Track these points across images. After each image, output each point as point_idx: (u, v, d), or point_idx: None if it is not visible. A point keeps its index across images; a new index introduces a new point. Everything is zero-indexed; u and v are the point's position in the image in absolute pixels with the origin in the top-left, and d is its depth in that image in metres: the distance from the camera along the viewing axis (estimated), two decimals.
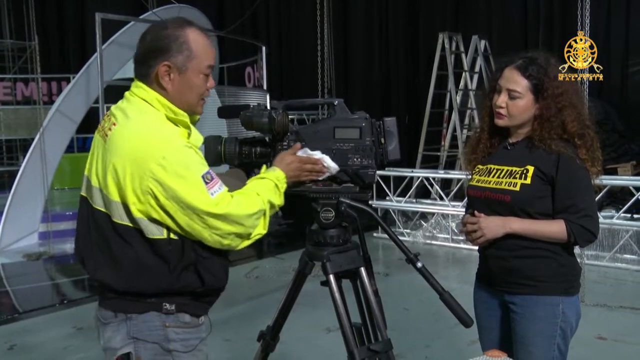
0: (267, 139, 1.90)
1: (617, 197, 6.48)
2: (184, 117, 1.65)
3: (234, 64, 10.51)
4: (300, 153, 1.81)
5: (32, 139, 7.34)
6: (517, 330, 2.04)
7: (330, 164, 1.82)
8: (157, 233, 1.58)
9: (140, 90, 1.65)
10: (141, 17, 7.59)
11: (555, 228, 1.96)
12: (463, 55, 8.57)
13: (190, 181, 1.54)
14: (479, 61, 8.64)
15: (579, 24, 4.52)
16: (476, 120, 7.80)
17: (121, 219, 1.58)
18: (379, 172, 6.44)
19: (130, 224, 1.58)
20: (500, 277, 2.07)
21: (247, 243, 1.66)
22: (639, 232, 5.74)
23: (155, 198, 1.54)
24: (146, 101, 1.63)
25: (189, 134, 1.67)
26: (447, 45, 8.29)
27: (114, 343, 1.63)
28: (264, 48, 8.30)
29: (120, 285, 1.60)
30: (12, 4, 10.99)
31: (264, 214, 1.65)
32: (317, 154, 1.81)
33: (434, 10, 10.10)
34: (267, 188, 1.68)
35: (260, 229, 1.65)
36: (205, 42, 1.67)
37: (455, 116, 8.30)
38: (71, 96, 7.01)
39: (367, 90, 10.73)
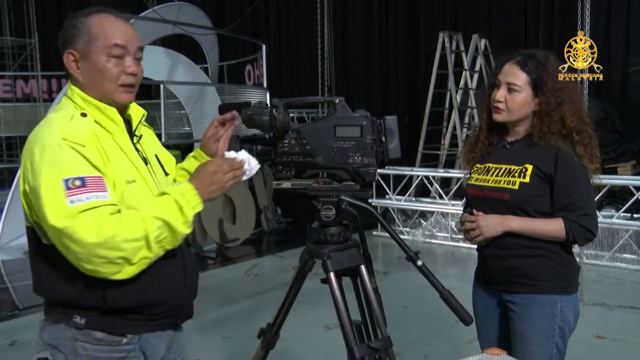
0: (267, 137, 1.90)
1: (617, 197, 6.49)
2: (105, 109, 1.54)
3: (234, 62, 10.52)
4: (227, 155, 1.61)
5: None
6: (516, 329, 2.05)
7: (253, 164, 1.62)
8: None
9: (68, 90, 1.58)
10: (141, 14, 7.59)
11: (554, 226, 1.96)
12: (463, 54, 8.58)
13: (49, 180, 1.38)
14: (479, 60, 8.65)
15: (579, 23, 4.52)
16: (476, 119, 7.79)
17: (27, 220, 1.51)
18: (378, 170, 6.37)
19: (30, 225, 1.50)
20: (499, 276, 2.08)
21: (130, 270, 1.42)
22: (639, 232, 5.74)
23: (25, 188, 1.43)
24: (70, 99, 1.56)
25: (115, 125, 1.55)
26: (447, 44, 8.29)
27: (38, 345, 1.58)
28: (264, 46, 8.30)
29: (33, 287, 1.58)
30: (12, 2, 10.99)
31: (146, 240, 1.42)
32: (242, 154, 1.63)
33: (434, 9, 10.10)
34: (162, 207, 1.45)
35: (144, 252, 1.42)
36: (110, 22, 1.53)
37: (455, 115, 8.30)
38: None
39: (367, 89, 10.73)
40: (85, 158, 1.43)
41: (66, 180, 1.38)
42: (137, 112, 1.65)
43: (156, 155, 1.72)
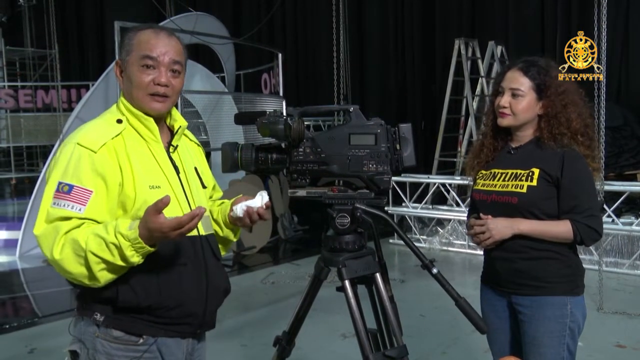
0: (283, 145, 1.91)
1: (636, 204, 6.40)
2: (142, 118, 1.63)
3: (250, 71, 10.59)
4: (252, 203, 1.73)
5: (52, 146, 7.46)
6: (527, 332, 2.07)
7: (264, 201, 1.75)
8: None
9: (119, 97, 1.70)
10: (159, 24, 7.66)
11: (561, 228, 2.00)
12: (479, 61, 8.55)
13: (52, 178, 1.53)
14: (496, 67, 8.60)
15: (596, 29, 4.48)
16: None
17: None
18: (395, 178, 6.39)
19: None
20: (507, 279, 2.10)
21: (91, 283, 1.51)
22: None
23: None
24: (117, 105, 1.68)
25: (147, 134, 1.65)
26: (463, 51, 8.27)
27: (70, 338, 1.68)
28: (280, 55, 8.35)
29: None
30: (33, 13, 11.20)
31: (90, 274, 1.49)
32: (263, 194, 1.76)
33: (450, 16, 10.09)
34: (106, 249, 1.46)
35: (104, 275, 1.49)
36: (149, 36, 1.64)
37: (471, 122, 8.27)
38: (90, 103, 7.10)
39: (383, 96, 10.73)
40: (92, 164, 1.53)
41: (60, 183, 1.52)
42: (179, 123, 1.74)
43: (195, 168, 1.79)
